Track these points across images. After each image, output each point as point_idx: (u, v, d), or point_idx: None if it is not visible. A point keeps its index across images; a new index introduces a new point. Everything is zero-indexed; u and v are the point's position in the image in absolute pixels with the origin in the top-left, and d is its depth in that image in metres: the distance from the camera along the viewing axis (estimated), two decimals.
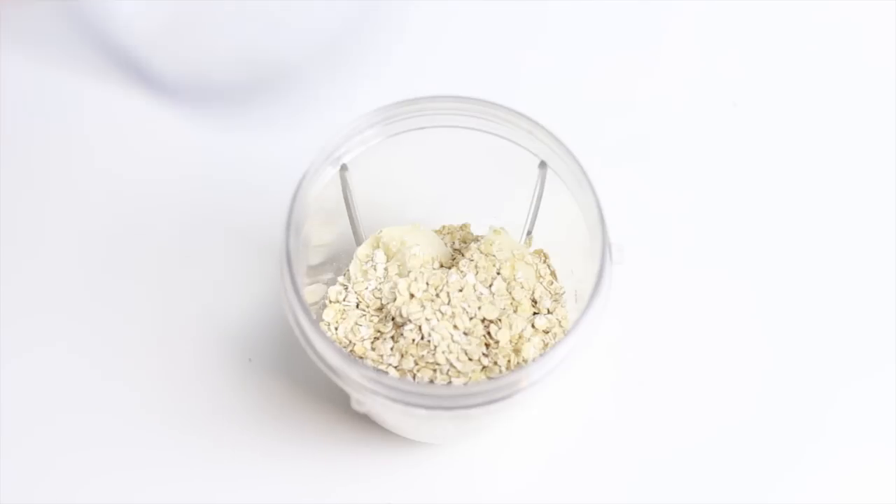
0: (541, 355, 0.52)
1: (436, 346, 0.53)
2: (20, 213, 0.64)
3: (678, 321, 0.62)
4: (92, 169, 0.65)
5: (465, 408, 0.49)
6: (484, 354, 0.54)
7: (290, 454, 0.58)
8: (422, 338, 0.53)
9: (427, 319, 0.53)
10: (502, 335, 0.54)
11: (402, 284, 0.54)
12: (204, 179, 0.65)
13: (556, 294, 0.57)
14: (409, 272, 0.55)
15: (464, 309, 0.54)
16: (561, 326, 0.55)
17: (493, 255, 0.56)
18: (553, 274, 0.58)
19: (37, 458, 0.58)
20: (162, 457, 0.58)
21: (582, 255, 0.54)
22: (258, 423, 0.59)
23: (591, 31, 0.70)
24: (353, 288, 0.56)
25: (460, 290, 0.54)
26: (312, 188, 0.53)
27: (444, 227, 0.60)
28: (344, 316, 0.55)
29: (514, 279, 0.55)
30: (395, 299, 0.54)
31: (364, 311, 0.56)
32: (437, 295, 0.54)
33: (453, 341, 0.53)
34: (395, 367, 0.53)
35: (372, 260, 0.57)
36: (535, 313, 0.55)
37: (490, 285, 0.55)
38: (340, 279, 0.57)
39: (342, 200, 0.57)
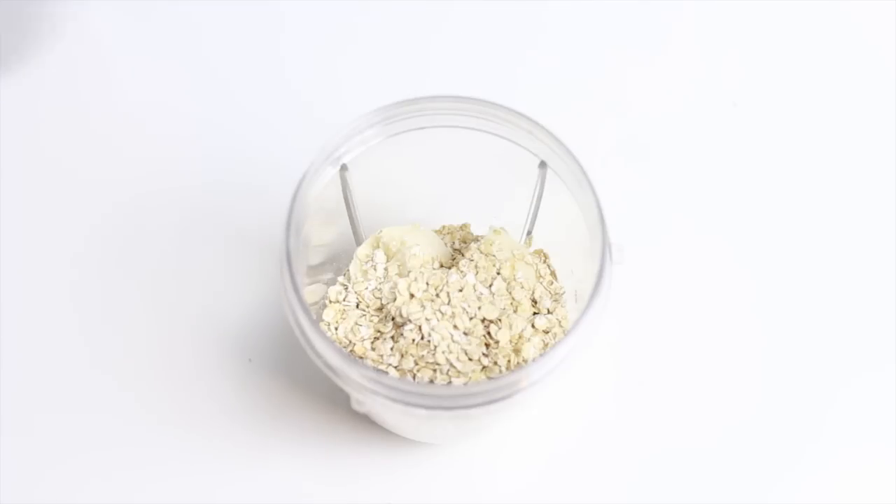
0: (541, 355, 0.52)
1: (436, 346, 0.53)
2: (20, 214, 0.64)
3: (678, 321, 0.62)
4: (92, 169, 0.65)
5: (465, 408, 0.49)
6: (484, 354, 0.54)
7: (290, 454, 0.58)
8: (422, 338, 0.53)
9: (427, 319, 0.53)
10: (502, 335, 0.54)
11: (402, 284, 0.54)
12: (204, 179, 0.65)
13: (556, 294, 0.57)
14: (409, 272, 0.55)
15: (464, 309, 0.54)
16: (561, 326, 0.55)
17: (493, 255, 0.56)
18: (553, 274, 0.58)
19: (36, 458, 0.58)
20: (162, 456, 0.58)
21: (582, 255, 0.54)
22: (258, 422, 0.59)
23: (591, 31, 0.70)
24: (353, 288, 0.56)
25: (460, 290, 0.54)
26: (312, 188, 0.53)
27: (444, 227, 0.60)
28: (344, 316, 0.55)
29: (514, 279, 0.55)
30: (395, 299, 0.54)
31: (364, 311, 0.56)
32: (437, 295, 0.54)
33: (453, 341, 0.53)
34: (395, 367, 0.53)
35: (372, 260, 0.57)
36: (535, 313, 0.55)
37: (490, 285, 0.55)
38: (340, 279, 0.57)
39: (342, 200, 0.57)
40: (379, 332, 0.55)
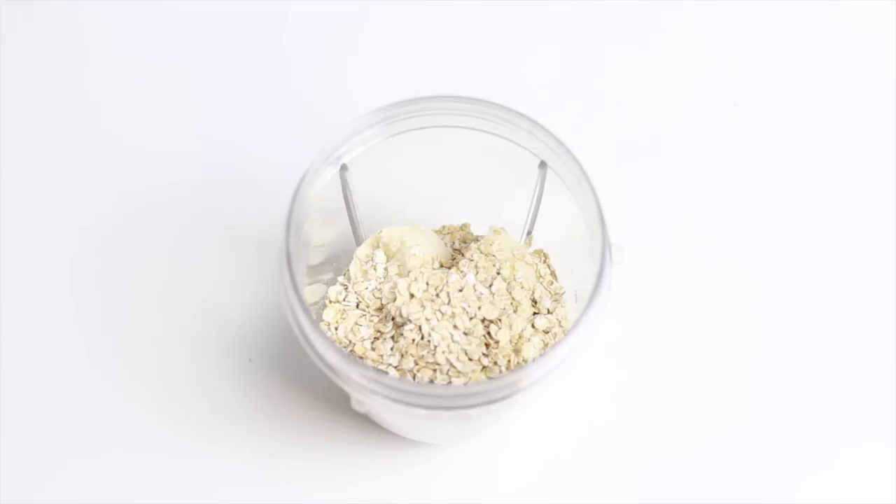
0: (541, 355, 0.52)
1: (436, 346, 0.53)
2: (19, 213, 0.64)
3: (678, 321, 0.62)
4: (91, 168, 0.65)
5: (465, 408, 0.49)
6: (484, 354, 0.54)
7: (289, 454, 0.58)
8: (422, 338, 0.53)
9: (427, 319, 0.53)
10: (502, 335, 0.54)
11: (402, 284, 0.54)
12: (204, 179, 0.65)
13: (556, 294, 0.57)
14: (409, 272, 0.55)
15: (464, 309, 0.54)
16: (561, 326, 0.55)
17: (493, 255, 0.56)
18: (553, 274, 0.58)
19: (36, 458, 0.58)
20: (161, 456, 0.58)
21: (582, 255, 0.54)
22: (258, 422, 0.59)
23: (591, 32, 0.70)
24: (353, 288, 0.56)
25: (460, 290, 0.54)
26: (312, 188, 0.53)
27: (444, 227, 0.60)
28: (344, 316, 0.55)
29: (514, 279, 0.55)
30: (395, 299, 0.54)
31: (364, 311, 0.56)
32: (437, 295, 0.54)
33: (453, 341, 0.53)
34: (395, 367, 0.53)
35: (372, 260, 0.57)
36: (535, 313, 0.55)
37: (490, 285, 0.55)
38: (340, 279, 0.57)
39: (342, 200, 0.57)
40: (379, 332, 0.55)
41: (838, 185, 0.66)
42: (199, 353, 0.60)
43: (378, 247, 0.57)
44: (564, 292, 0.57)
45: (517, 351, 0.54)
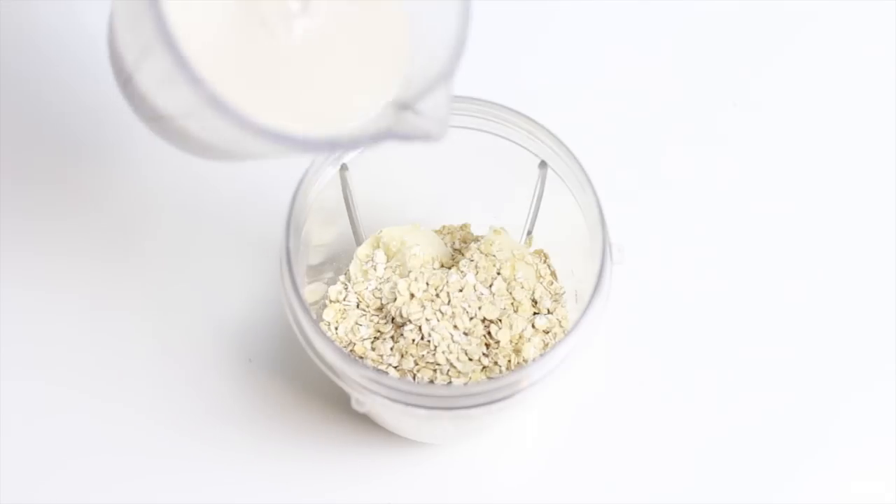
0: (541, 355, 0.52)
1: (436, 347, 0.53)
2: (20, 213, 0.64)
3: (678, 321, 0.62)
4: (91, 168, 0.65)
5: (466, 408, 0.49)
6: (484, 354, 0.54)
7: (290, 454, 0.58)
8: (422, 338, 0.53)
9: (427, 319, 0.53)
10: (502, 335, 0.54)
11: (402, 284, 0.54)
12: (204, 179, 0.65)
13: (557, 294, 0.57)
14: (409, 272, 0.55)
15: (464, 309, 0.54)
16: (561, 326, 0.55)
17: (494, 255, 0.56)
18: (553, 274, 0.58)
19: (35, 458, 0.58)
20: (161, 457, 0.58)
21: (582, 255, 0.54)
22: (258, 423, 0.59)
23: (590, 32, 0.70)
24: (353, 288, 0.56)
25: (460, 290, 0.54)
26: (312, 188, 0.53)
27: (444, 227, 0.60)
28: (344, 316, 0.55)
29: (515, 279, 0.55)
30: (395, 299, 0.54)
31: (364, 310, 0.56)
32: (437, 295, 0.54)
33: (453, 341, 0.53)
34: (395, 367, 0.53)
35: (372, 260, 0.57)
36: (535, 313, 0.55)
37: (490, 285, 0.55)
38: (341, 279, 0.57)
39: (342, 200, 0.57)
40: (379, 332, 0.55)
41: (839, 185, 0.66)
42: (199, 354, 0.60)
43: (378, 247, 0.57)
44: (565, 292, 0.57)
45: (517, 351, 0.54)
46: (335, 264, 0.59)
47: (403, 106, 0.45)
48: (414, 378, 0.53)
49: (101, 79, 0.69)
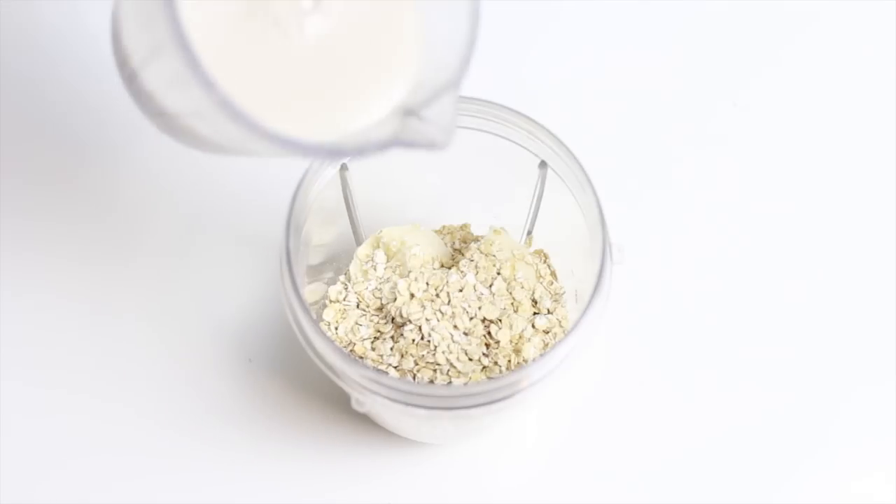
0: (541, 355, 0.52)
1: (436, 347, 0.53)
2: (20, 212, 0.64)
3: (678, 321, 0.62)
4: (91, 167, 0.65)
5: (466, 408, 0.49)
6: (484, 354, 0.54)
7: (290, 454, 0.58)
8: (422, 338, 0.53)
9: (427, 319, 0.53)
10: (502, 335, 0.54)
11: (402, 284, 0.54)
12: (204, 179, 0.65)
13: (557, 294, 0.57)
14: (409, 272, 0.55)
15: (464, 309, 0.54)
16: (561, 326, 0.55)
17: (494, 255, 0.56)
18: (553, 274, 0.58)
19: (34, 458, 0.58)
20: (161, 457, 0.58)
21: (582, 255, 0.54)
22: (258, 423, 0.59)
23: (591, 31, 0.70)
24: (353, 288, 0.56)
25: (460, 290, 0.54)
26: (312, 188, 0.53)
27: (444, 227, 0.60)
28: (344, 316, 0.55)
29: (515, 279, 0.55)
30: (395, 299, 0.54)
31: (364, 310, 0.56)
32: (437, 295, 0.54)
33: (453, 341, 0.53)
34: (395, 367, 0.53)
35: (372, 260, 0.57)
36: (535, 313, 0.55)
37: (490, 285, 0.55)
38: (341, 279, 0.57)
39: (342, 200, 0.57)
40: (379, 332, 0.55)
41: (839, 185, 0.66)
42: (199, 353, 0.60)
43: (378, 247, 0.57)
44: (564, 292, 0.57)
45: (517, 351, 0.54)
46: (335, 264, 0.59)
47: (409, 112, 0.45)
48: (414, 378, 0.53)
49: (104, 79, 0.69)
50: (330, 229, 0.58)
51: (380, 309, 0.55)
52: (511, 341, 0.54)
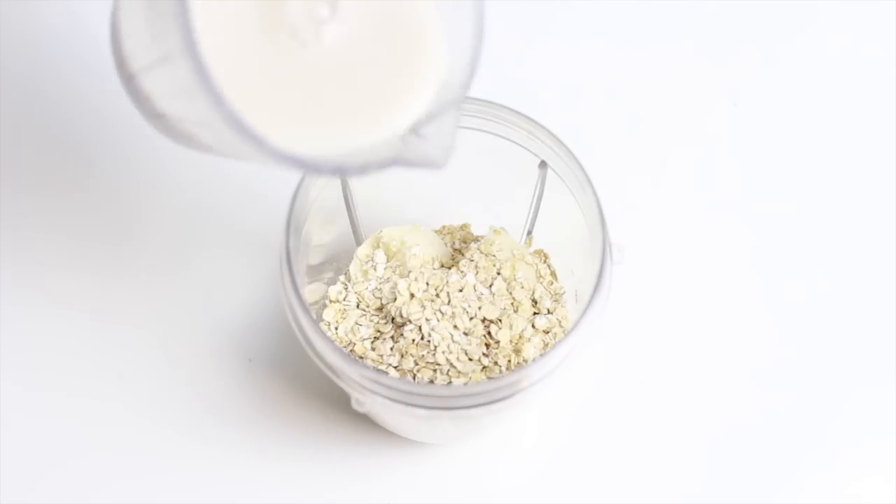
0: (541, 355, 0.52)
1: (436, 347, 0.53)
2: (19, 212, 0.64)
3: (678, 321, 0.62)
4: (91, 167, 0.65)
5: (466, 408, 0.49)
6: (484, 354, 0.54)
7: (290, 454, 0.58)
8: (422, 338, 0.53)
9: (427, 319, 0.53)
10: (502, 335, 0.54)
11: (402, 284, 0.54)
12: (204, 179, 0.65)
13: (557, 294, 0.57)
14: (409, 272, 0.55)
15: (464, 309, 0.54)
16: (561, 326, 0.55)
17: (494, 255, 0.56)
18: (553, 274, 0.58)
19: (34, 458, 0.58)
20: (161, 457, 0.58)
21: (582, 255, 0.54)
22: (258, 423, 0.59)
23: (591, 31, 0.70)
24: (353, 288, 0.56)
25: (460, 290, 0.54)
26: (312, 188, 0.53)
27: (444, 227, 0.60)
28: (344, 316, 0.55)
29: (515, 279, 0.55)
30: (395, 299, 0.54)
31: (364, 310, 0.56)
32: (437, 295, 0.54)
33: (453, 341, 0.53)
34: (395, 367, 0.53)
35: (372, 260, 0.57)
36: (535, 313, 0.55)
37: (490, 285, 0.55)
38: (341, 279, 0.57)
39: (342, 200, 0.57)
40: (379, 332, 0.55)
41: (839, 185, 0.66)
42: (200, 353, 0.60)
43: (378, 247, 0.57)
44: (564, 292, 0.57)
45: (517, 351, 0.54)
46: (335, 264, 0.59)
47: (410, 129, 0.44)
48: (414, 378, 0.53)
49: (104, 79, 0.69)
50: (330, 229, 0.58)
51: (380, 309, 0.55)
52: (511, 341, 0.54)
